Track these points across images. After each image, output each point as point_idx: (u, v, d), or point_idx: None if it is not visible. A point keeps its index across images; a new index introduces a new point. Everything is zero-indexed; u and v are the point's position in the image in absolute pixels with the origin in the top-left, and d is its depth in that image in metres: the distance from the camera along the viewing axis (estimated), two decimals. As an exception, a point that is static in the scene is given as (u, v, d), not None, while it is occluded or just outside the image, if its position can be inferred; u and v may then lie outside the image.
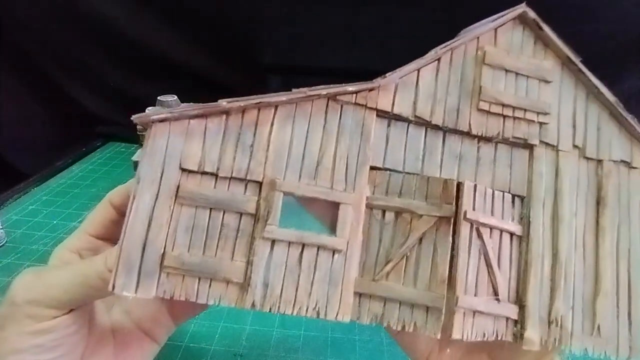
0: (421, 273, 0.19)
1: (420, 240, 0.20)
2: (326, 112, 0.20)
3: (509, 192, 0.21)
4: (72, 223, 0.51)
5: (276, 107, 0.19)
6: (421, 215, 0.19)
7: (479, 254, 0.20)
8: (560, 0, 0.61)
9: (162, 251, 0.18)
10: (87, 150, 0.72)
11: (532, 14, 0.21)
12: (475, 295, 0.19)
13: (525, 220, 0.21)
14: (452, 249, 0.19)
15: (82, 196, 0.58)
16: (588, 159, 0.22)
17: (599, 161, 0.22)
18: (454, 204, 0.19)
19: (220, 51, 0.71)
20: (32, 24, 0.68)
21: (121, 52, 0.70)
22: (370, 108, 0.20)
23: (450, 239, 0.19)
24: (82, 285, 0.20)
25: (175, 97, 0.58)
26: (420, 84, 0.21)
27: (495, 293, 0.20)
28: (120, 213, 0.24)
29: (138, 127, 0.51)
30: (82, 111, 0.76)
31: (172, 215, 0.18)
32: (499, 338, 0.20)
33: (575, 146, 0.21)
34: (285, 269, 0.19)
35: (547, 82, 0.21)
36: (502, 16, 0.21)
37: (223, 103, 0.19)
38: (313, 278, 0.19)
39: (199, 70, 0.72)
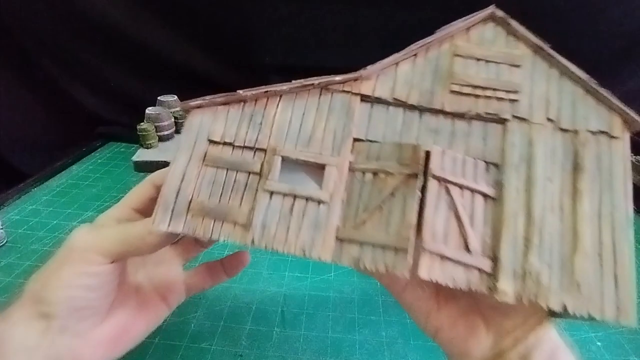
0: (392, 220, 0.22)
1: (392, 193, 0.23)
2: (319, 98, 0.25)
3: (482, 160, 0.23)
4: (72, 223, 0.51)
5: (280, 95, 0.25)
6: (393, 174, 0.23)
7: (448, 208, 0.22)
8: (561, 0, 0.61)
9: (189, 198, 0.24)
10: (87, 151, 0.72)
11: (500, 13, 0.24)
12: (444, 243, 0.22)
13: (498, 184, 0.23)
14: (422, 201, 0.22)
15: (82, 196, 0.58)
16: (563, 130, 0.23)
17: (575, 132, 0.23)
18: (421, 164, 0.22)
19: (220, 51, 0.71)
20: (33, 24, 0.68)
21: (121, 53, 0.70)
22: (355, 93, 0.25)
23: (418, 192, 0.22)
24: (125, 242, 0.25)
25: (176, 97, 0.58)
26: (398, 73, 0.25)
27: (466, 244, 0.22)
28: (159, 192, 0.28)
29: (138, 127, 0.51)
30: (82, 111, 0.76)
31: (199, 172, 0.24)
32: (472, 288, 0.21)
33: (549, 119, 0.23)
34: (280, 214, 0.23)
35: (517, 66, 0.24)
36: (473, 16, 0.24)
37: (241, 92, 0.24)
38: (301, 223, 0.23)
39: (199, 70, 0.72)
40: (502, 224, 0.22)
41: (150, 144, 0.52)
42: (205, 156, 0.25)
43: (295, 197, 0.23)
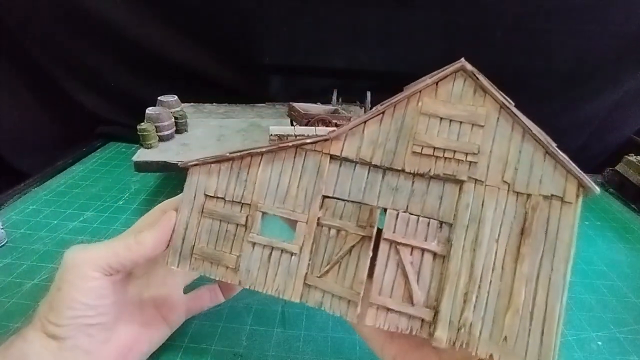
0: (347, 275, 0.26)
1: (350, 251, 0.26)
2: (294, 157, 0.28)
3: (436, 219, 0.25)
4: (72, 223, 0.51)
5: (262, 155, 0.28)
6: (352, 233, 0.26)
7: (396, 266, 0.25)
8: (562, 0, 0.61)
9: (192, 244, 0.29)
10: (88, 151, 0.73)
11: (469, 67, 0.24)
12: (390, 296, 0.25)
13: (448, 243, 0.25)
14: (373, 260, 0.25)
15: (82, 196, 0.58)
16: (517, 193, 0.24)
17: (528, 195, 0.24)
18: (375, 227, 0.25)
19: (220, 51, 0.71)
20: (33, 24, 0.68)
21: (121, 52, 0.70)
22: (325, 153, 0.27)
23: (370, 252, 0.25)
24: (115, 253, 0.28)
25: (176, 97, 0.58)
26: (366, 132, 0.26)
27: (410, 298, 0.25)
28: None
29: (138, 127, 0.51)
30: (82, 111, 0.76)
31: (199, 222, 0.29)
32: (414, 333, 0.24)
33: (504, 181, 0.24)
34: (260, 262, 0.28)
35: (480, 126, 0.25)
36: (443, 71, 0.25)
37: (228, 154, 0.29)
38: (277, 270, 0.27)
39: (199, 70, 0.72)
40: (446, 280, 0.24)
41: (150, 144, 0.52)
42: (203, 208, 0.29)
43: (272, 248, 0.28)
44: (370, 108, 0.62)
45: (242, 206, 0.29)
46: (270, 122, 0.61)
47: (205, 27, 0.68)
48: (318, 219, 0.27)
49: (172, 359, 0.34)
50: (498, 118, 0.25)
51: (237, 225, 0.29)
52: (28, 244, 0.47)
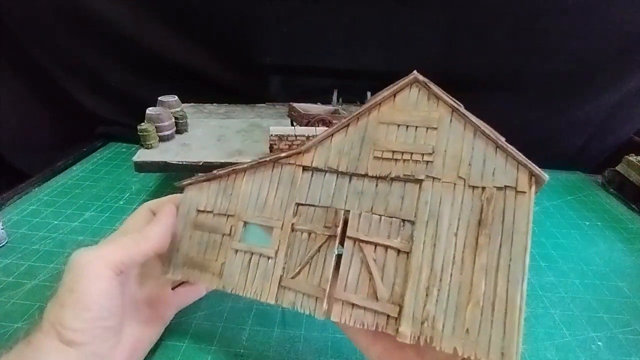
0: (316, 274, 0.28)
1: (318, 250, 0.28)
2: (272, 170, 0.31)
3: (398, 218, 0.26)
4: (73, 223, 0.51)
5: (245, 170, 0.32)
6: (319, 234, 0.28)
7: (360, 263, 0.26)
8: (562, 1, 0.61)
9: (185, 254, 0.33)
10: (88, 151, 0.73)
11: (421, 78, 0.27)
12: (355, 292, 0.26)
13: (410, 239, 0.26)
14: (339, 258, 0.27)
15: (82, 196, 0.58)
16: (473, 187, 0.25)
17: (483, 188, 0.25)
18: (340, 226, 0.27)
19: (220, 51, 0.71)
20: (33, 24, 0.68)
21: (122, 53, 0.70)
22: (298, 165, 0.30)
23: (336, 250, 0.27)
24: (124, 248, 0.29)
25: (176, 97, 0.58)
26: (333, 143, 0.29)
27: (375, 294, 0.26)
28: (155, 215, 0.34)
29: (138, 127, 0.51)
30: (82, 111, 0.76)
31: (191, 235, 0.33)
32: (380, 329, 0.25)
33: (459, 177, 0.25)
34: (241, 267, 0.30)
35: (433, 128, 0.26)
36: (398, 84, 0.27)
37: (216, 172, 0.32)
38: (255, 273, 0.29)
39: (199, 70, 0.72)
40: (409, 275, 0.25)
41: (150, 144, 0.52)
42: (194, 222, 0.33)
43: (252, 253, 0.30)
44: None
45: (227, 217, 0.32)
46: (270, 123, 0.61)
47: (205, 27, 0.68)
48: (292, 224, 0.29)
49: (173, 359, 0.34)
50: (451, 120, 0.26)
51: (223, 235, 0.31)
52: (28, 244, 0.47)
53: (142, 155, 0.51)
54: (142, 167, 0.51)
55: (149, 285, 0.35)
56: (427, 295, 0.24)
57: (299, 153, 0.30)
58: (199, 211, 0.33)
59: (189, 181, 0.33)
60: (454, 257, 0.25)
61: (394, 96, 0.28)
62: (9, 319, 0.37)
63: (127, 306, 0.30)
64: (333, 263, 0.27)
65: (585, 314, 0.42)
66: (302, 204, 0.29)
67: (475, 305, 0.23)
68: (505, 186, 0.24)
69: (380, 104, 0.28)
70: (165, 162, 0.50)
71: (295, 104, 0.58)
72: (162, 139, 0.54)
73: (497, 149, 0.25)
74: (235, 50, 0.70)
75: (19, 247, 0.46)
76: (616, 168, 0.71)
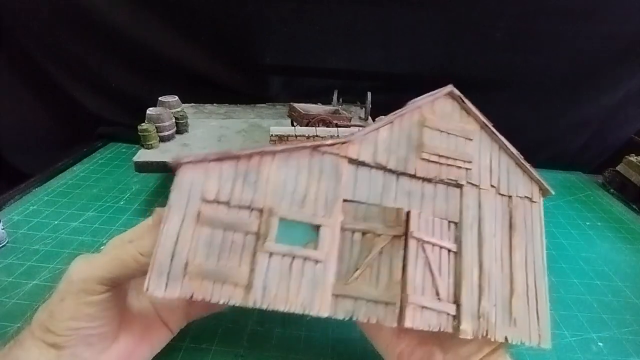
0: (381, 277, 0.26)
1: (380, 253, 0.26)
2: (310, 159, 0.26)
3: (445, 219, 0.28)
4: (73, 223, 0.51)
5: (274, 154, 0.26)
6: (380, 235, 0.26)
7: (424, 264, 0.26)
8: (562, 1, 0.61)
9: (185, 261, 0.24)
10: (88, 151, 0.73)
11: (457, 92, 0.29)
12: (422, 294, 0.26)
13: (458, 240, 0.28)
14: (404, 259, 0.26)
15: (83, 196, 0.58)
16: (502, 195, 0.29)
17: (509, 196, 0.29)
18: (403, 226, 0.26)
19: (221, 52, 0.71)
20: (33, 24, 0.68)
21: (122, 53, 0.70)
22: (343, 156, 0.27)
23: (402, 251, 0.26)
24: (120, 266, 0.26)
25: (176, 97, 0.58)
26: (379, 139, 0.28)
27: (437, 294, 0.26)
28: None
29: (139, 127, 0.51)
30: (83, 111, 0.76)
31: (194, 233, 0.24)
32: (442, 329, 0.26)
33: (492, 185, 0.29)
34: (280, 274, 0.24)
35: (470, 139, 0.29)
36: (437, 92, 0.29)
37: (234, 151, 0.25)
38: (300, 282, 0.24)
39: (199, 70, 0.72)
40: (462, 274, 0.27)
41: (151, 144, 0.52)
42: (199, 216, 0.24)
43: (293, 257, 0.25)
44: (371, 108, 0.63)
45: (251, 211, 0.25)
46: (270, 123, 0.62)
47: (205, 27, 0.68)
48: (340, 223, 0.26)
49: (173, 359, 0.34)
50: (481, 134, 0.29)
51: (247, 233, 0.25)
52: (29, 244, 0.47)
53: (143, 155, 0.51)
54: (143, 168, 0.51)
55: (138, 293, 0.32)
56: (480, 292, 0.26)
57: (344, 143, 0.27)
58: (205, 201, 0.25)
59: (189, 159, 0.25)
60: (495, 256, 0.27)
61: (433, 103, 0.29)
62: (9, 319, 0.37)
63: (124, 312, 0.30)
64: (395, 265, 0.26)
65: (586, 315, 0.42)
66: (347, 201, 0.26)
67: (517, 297, 0.27)
68: (525, 196, 0.29)
69: (421, 107, 0.29)
70: (166, 162, 0.50)
71: (295, 104, 0.58)
72: (163, 139, 0.54)
73: (517, 164, 0.30)
74: (235, 51, 0.70)
75: (20, 247, 0.46)
76: (616, 168, 0.71)
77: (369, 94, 0.62)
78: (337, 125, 0.54)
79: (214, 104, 0.71)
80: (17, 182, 0.60)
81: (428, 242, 0.27)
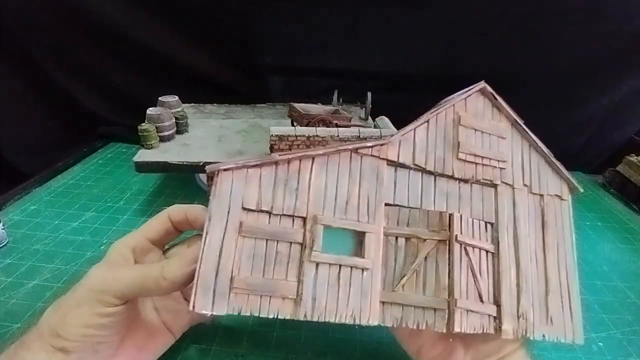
0: (428, 283, 0.25)
1: (426, 258, 0.26)
2: (350, 162, 0.26)
3: (482, 220, 0.28)
4: (73, 223, 0.51)
5: (313, 159, 0.25)
6: (425, 240, 0.26)
7: (467, 267, 0.26)
8: (562, 1, 0.61)
9: (230, 275, 0.23)
10: (89, 151, 0.73)
11: (489, 89, 0.28)
12: (467, 299, 0.25)
13: (495, 241, 0.27)
14: (449, 263, 0.25)
15: (83, 197, 0.58)
16: (534, 193, 0.29)
17: (541, 195, 0.29)
18: (447, 230, 0.26)
19: (221, 52, 0.71)
20: (33, 24, 0.68)
21: (122, 53, 0.70)
22: (382, 158, 0.26)
23: (447, 256, 0.26)
24: (141, 286, 0.26)
25: (176, 97, 0.58)
26: (417, 140, 0.27)
27: (480, 296, 0.26)
28: (175, 226, 0.30)
29: (139, 127, 0.51)
30: (83, 112, 0.76)
31: (237, 245, 0.23)
32: (485, 331, 0.25)
33: (525, 184, 0.29)
34: (328, 285, 0.24)
35: (503, 138, 0.29)
36: (469, 90, 0.29)
37: (275, 156, 0.24)
38: (349, 291, 0.24)
39: (200, 70, 0.72)
40: (501, 275, 0.26)
41: (151, 144, 0.52)
42: (241, 226, 0.24)
43: (340, 266, 0.24)
44: (371, 108, 0.63)
45: (294, 220, 0.24)
46: (270, 123, 0.61)
47: (206, 27, 0.68)
48: (383, 228, 0.25)
49: (173, 359, 0.34)
50: (512, 132, 0.29)
51: (291, 243, 0.24)
52: (29, 244, 0.47)
53: (143, 155, 0.51)
54: (143, 168, 0.51)
55: (161, 298, 0.33)
56: (518, 292, 0.27)
57: (383, 144, 0.26)
58: (247, 210, 0.24)
59: (227, 165, 0.24)
60: (530, 255, 0.28)
61: (465, 101, 0.29)
62: (9, 319, 0.37)
63: (132, 320, 0.30)
64: (441, 269, 0.25)
65: (586, 315, 0.42)
66: (389, 205, 0.26)
67: (553, 295, 0.27)
68: (555, 195, 0.29)
69: (454, 105, 0.29)
70: (166, 162, 0.50)
71: (295, 104, 0.58)
72: (163, 139, 0.54)
73: (547, 162, 0.30)
74: (235, 51, 0.70)
75: (20, 247, 0.46)
76: (617, 168, 0.71)
77: (369, 94, 0.62)
78: (337, 125, 0.54)
79: (214, 104, 0.71)
80: (17, 182, 0.60)
81: (470, 245, 0.26)
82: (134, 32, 0.68)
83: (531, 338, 0.26)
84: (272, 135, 0.49)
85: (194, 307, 0.22)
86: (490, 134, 0.28)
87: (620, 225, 0.60)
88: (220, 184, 0.24)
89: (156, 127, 0.53)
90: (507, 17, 0.63)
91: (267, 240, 0.24)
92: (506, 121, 0.29)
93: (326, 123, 0.54)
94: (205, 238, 0.23)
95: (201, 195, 0.57)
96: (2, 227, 0.47)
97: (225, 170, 0.24)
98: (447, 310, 0.24)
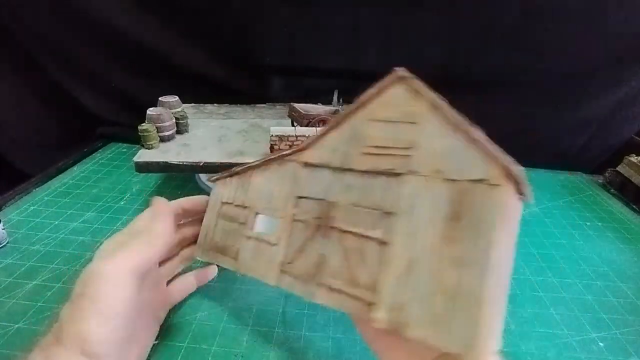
0: (309, 260, 0.30)
1: (311, 239, 0.30)
2: (279, 167, 0.34)
3: (380, 210, 0.27)
4: (73, 223, 0.51)
5: (257, 167, 0.35)
6: (312, 225, 0.30)
7: (344, 251, 0.28)
8: (562, 1, 0.61)
9: (211, 240, 0.38)
10: (89, 151, 0.73)
11: (405, 73, 0.27)
12: (337, 278, 0.28)
13: (389, 231, 0.26)
14: (326, 246, 0.29)
15: (83, 197, 0.58)
16: (448, 180, 0.25)
17: (458, 181, 0.25)
18: (329, 217, 0.29)
19: (221, 52, 0.71)
20: (34, 25, 0.68)
21: (122, 53, 0.70)
22: (300, 162, 0.32)
23: (326, 240, 0.29)
24: (144, 254, 0.30)
25: (177, 97, 0.58)
26: (328, 141, 0.31)
27: (356, 280, 0.27)
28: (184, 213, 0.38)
29: (139, 127, 0.51)
30: (83, 112, 0.76)
31: (217, 223, 0.38)
32: (357, 315, 0.26)
33: (436, 170, 0.25)
34: (252, 252, 0.34)
35: (413, 123, 0.27)
36: (384, 81, 0.28)
37: (235, 169, 0.37)
38: (262, 258, 0.33)
39: (200, 71, 0.72)
40: (387, 264, 0.26)
41: (151, 144, 0.52)
42: (219, 212, 0.38)
43: (260, 240, 0.33)
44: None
45: (243, 209, 0.35)
46: (270, 123, 0.62)
47: (206, 27, 0.68)
48: (293, 215, 0.32)
49: (173, 359, 0.34)
50: (430, 115, 0.26)
51: (239, 223, 0.35)
52: (29, 245, 0.47)
53: (143, 155, 0.51)
54: (143, 168, 0.51)
55: (146, 286, 0.34)
56: (402, 284, 0.25)
57: (301, 150, 0.32)
58: (223, 203, 0.37)
59: (217, 176, 0.39)
60: (428, 249, 0.24)
61: (380, 93, 0.28)
62: (9, 319, 0.37)
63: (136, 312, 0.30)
64: (320, 251, 0.29)
65: (586, 315, 0.42)
66: (301, 197, 0.32)
67: (444, 295, 0.23)
68: (480, 179, 0.24)
69: (367, 101, 0.29)
70: (166, 162, 0.50)
71: (295, 105, 0.58)
72: (163, 140, 0.54)
73: (472, 141, 0.24)
74: (235, 51, 0.70)
75: (20, 247, 0.46)
76: (617, 169, 0.71)
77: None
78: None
79: (214, 104, 0.71)
80: (17, 182, 0.60)
81: (352, 232, 0.28)
82: (135, 32, 0.68)
83: (408, 335, 0.23)
84: (272, 135, 0.49)
85: (195, 254, 0.39)
86: (399, 122, 0.27)
87: (620, 225, 0.60)
88: (215, 189, 0.39)
89: (156, 127, 0.53)
90: (507, 17, 0.63)
91: (230, 221, 0.36)
92: (424, 104, 0.26)
93: (326, 123, 0.54)
94: (205, 218, 0.39)
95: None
96: (2, 228, 0.47)
97: (216, 180, 0.39)
98: (314, 284, 0.29)
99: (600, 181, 0.74)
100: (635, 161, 0.67)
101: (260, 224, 0.34)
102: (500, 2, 0.62)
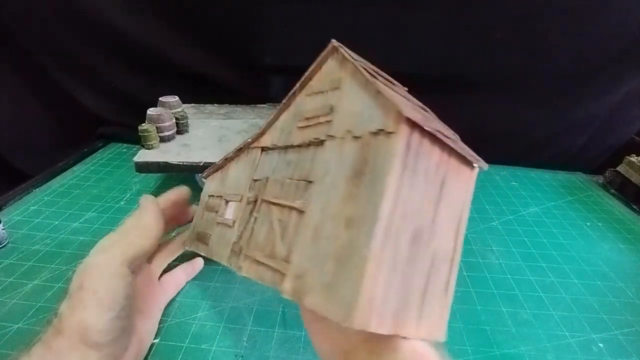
0: (245, 236, 0.31)
1: (250, 214, 0.31)
2: (246, 155, 0.36)
3: (305, 180, 0.26)
4: (73, 224, 0.51)
5: (232, 159, 0.38)
6: (252, 202, 0.31)
7: (269, 223, 0.28)
8: (562, 1, 0.61)
9: (196, 230, 0.40)
10: (89, 151, 0.73)
11: (336, 43, 0.28)
12: (260, 251, 0.28)
13: (307, 199, 0.25)
14: (255, 221, 0.30)
15: (83, 197, 0.58)
16: (356, 137, 0.23)
17: (362, 137, 0.23)
18: (258, 192, 0.31)
19: (221, 52, 0.71)
20: (34, 25, 0.68)
21: (122, 53, 0.70)
22: (258, 147, 0.34)
23: (257, 214, 0.30)
24: (137, 245, 0.32)
25: (177, 97, 0.58)
26: (279, 123, 0.32)
27: (274, 252, 0.26)
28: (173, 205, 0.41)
29: (139, 128, 0.51)
30: (83, 112, 0.76)
31: (203, 213, 0.40)
32: (273, 286, 0.25)
33: (347, 130, 0.24)
34: (218, 236, 0.35)
35: (337, 88, 0.27)
36: (321, 56, 0.29)
37: (219, 162, 0.39)
38: (222, 240, 0.34)
39: (200, 71, 0.72)
40: (299, 233, 0.25)
41: (151, 144, 0.52)
42: (206, 205, 0.39)
43: (223, 225, 0.34)
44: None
45: (220, 199, 0.37)
46: (270, 123, 0.61)
47: (206, 27, 0.68)
48: (248, 197, 0.32)
49: (173, 359, 0.34)
50: (351, 79, 0.25)
51: (216, 212, 0.37)
52: (29, 245, 0.47)
53: (143, 155, 0.51)
54: (143, 168, 0.51)
55: (140, 282, 0.35)
56: (307, 252, 0.23)
57: (261, 135, 0.34)
58: (209, 196, 0.39)
59: (207, 173, 0.41)
60: (331, 211, 0.22)
61: (319, 67, 0.29)
62: (9, 319, 0.37)
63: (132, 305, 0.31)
64: (252, 225, 0.30)
65: (586, 315, 0.42)
66: (255, 180, 0.33)
67: (335, 260, 0.21)
68: (378, 130, 0.21)
69: (309, 77, 0.29)
70: (166, 162, 0.50)
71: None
72: (163, 140, 0.54)
73: (377, 93, 0.22)
74: (236, 51, 0.70)
75: (20, 247, 0.46)
76: (617, 169, 0.71)
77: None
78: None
79: (215, 105, 0.71)
80: (17, 183, 0.60)
81: (276, 204, 0.28)
82: (135, 32, 0.68)
83: (306, 304, 0.21)
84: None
85: (185, 245, 0.41)
86: (327, 91, 0.27)
87: (620, 225, 0.60)
88: (206, 183, 0.42)
89: (156, 128, 0.53)
90: (507, 17, 0.63)
91: (210, 211, 0.38)
92: (348, 69, 0.25)
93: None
94: (199, 208, 0.41)
95: (201, 196, 0.57)
96: (2, 228, 0.47)
97: (207, 175, 0.42)
98: (241, 257, 0.30)
99: (600, 181, 0.74)
100: (635, 161, 0.67)
101: (227, 211, 0.35)
102: (501, 2, 0.62)
